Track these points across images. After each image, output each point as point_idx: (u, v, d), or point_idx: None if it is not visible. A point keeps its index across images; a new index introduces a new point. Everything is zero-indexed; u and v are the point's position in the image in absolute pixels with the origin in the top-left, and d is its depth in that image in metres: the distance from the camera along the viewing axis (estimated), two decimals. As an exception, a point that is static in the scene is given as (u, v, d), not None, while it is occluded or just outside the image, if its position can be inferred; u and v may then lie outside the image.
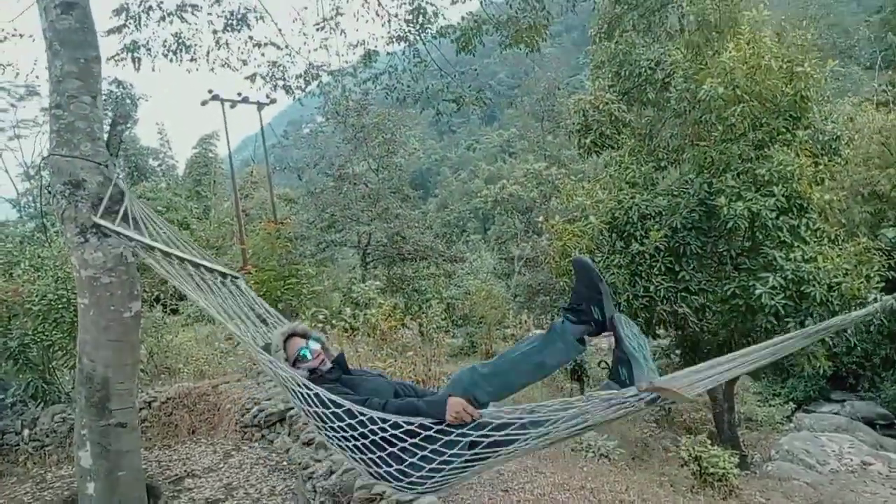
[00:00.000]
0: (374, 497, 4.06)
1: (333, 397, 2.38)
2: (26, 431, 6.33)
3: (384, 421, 2.25)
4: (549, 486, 5.76)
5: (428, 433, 2.22)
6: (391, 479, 2.31)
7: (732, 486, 7.65)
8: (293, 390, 2.55)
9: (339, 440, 2.39)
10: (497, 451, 2.21)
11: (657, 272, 9.19)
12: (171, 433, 5.39)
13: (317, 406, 2.41)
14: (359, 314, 10.26)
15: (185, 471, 2.95)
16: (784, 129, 8.75)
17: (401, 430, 2.23)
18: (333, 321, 11.01)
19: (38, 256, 8.38)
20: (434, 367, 8.76)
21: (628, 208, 9.52)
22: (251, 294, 3.02)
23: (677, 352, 11.58)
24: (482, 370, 2.38)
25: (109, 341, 2.49)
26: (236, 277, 3.06)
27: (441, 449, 2.19)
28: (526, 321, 25.59)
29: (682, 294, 9.07)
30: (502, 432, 2.13)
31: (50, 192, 2.48)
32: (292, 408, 5.32)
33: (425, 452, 2.21)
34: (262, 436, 5.05)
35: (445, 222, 25.74)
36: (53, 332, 6.96)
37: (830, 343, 8.58)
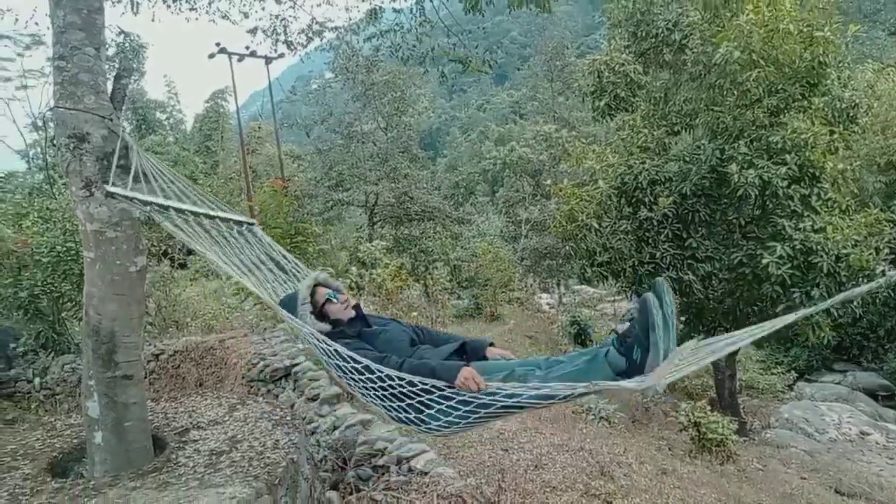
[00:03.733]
0: (376, 452, 4.14)
1: (352, 354, 2.48)
2: (37, 380, 6.46)
3: (401, 379, 2.37)
4: (548, 446, 5.85)
5: (442, 392, 2.34)
6: (412, 425, 2.46)
7: (730, 451, 7.77)
8: (315, 344, 2.67)
9: (361, 389, 2.53)
10: (509, 411, 2.34)
11: (664, 239, 9.15)
12: (179, 386, 5.49)
13: (337, 359, 2.54)
14: (364, 273, 10.31)
15: (190, 423, 3.00)
16: (800, 96, 8.56)
17: (416, 388, 2.35)
18: (339, 279, 11.07)
19: (47, 208, 8.41)
20: (439, 328, 8.80)
21: (638, 173, 9.42)
22: (267, 240, 3.05)
23: (682, 318, 11.60)
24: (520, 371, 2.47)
25: (115, 295, 2.50)
26: (252, 224, 3.08)
27: (456, 406, 2.32)
28: (532, 284, 25.71)
29: (689, 261, 9.05)
30: (511, 400, 2.22)
31: (55, 146, 2.46)
32: (297, 363, 5.40)
33: (442, 406, 2.35)
34: (268, 390, 5.14)
35: (454, 183, 25.55)
36: (63, 284, 7.03)
37: (836, 313, 8.56)
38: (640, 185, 9.42)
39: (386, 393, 2.46)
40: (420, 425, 2.45)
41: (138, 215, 2.45)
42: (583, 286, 27.85)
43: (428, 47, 6.75)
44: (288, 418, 3.00)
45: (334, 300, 2.91)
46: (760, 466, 8.16)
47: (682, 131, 10.27)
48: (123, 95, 2.66)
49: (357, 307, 3.00)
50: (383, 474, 3.58)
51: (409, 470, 3.59)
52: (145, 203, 2.42)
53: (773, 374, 15.77)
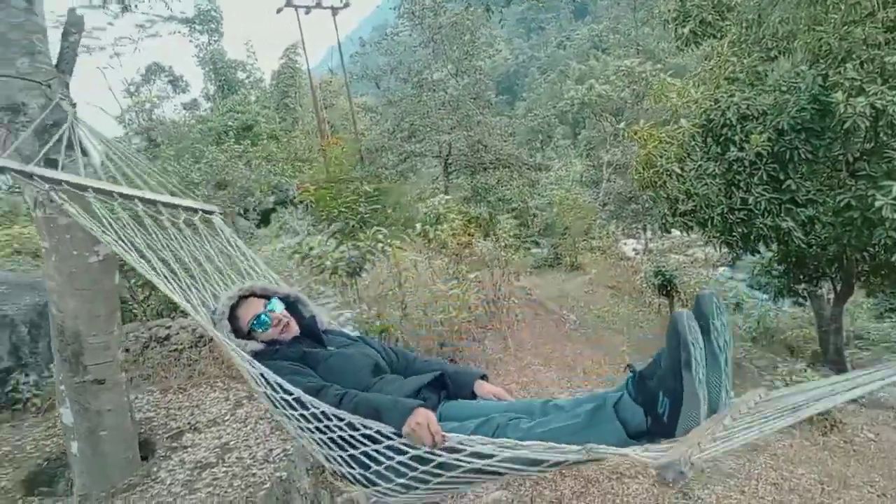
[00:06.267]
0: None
1: (281, 381, 1.87)
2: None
3: (339, 419, 1.77)
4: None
5: (391, 443, 1.73)
6: (358, 484, 1.84)
7: (835, 419, 6.93)
8: (239, 364, 2.05)
9: (296, 427, 1.94)
10: (481, 476, 1.69)
11: (758, 182, 8.14)
12: (192, 374, 5.36)
13: (265, 387, 1.94)
14: (429, 230, 9.96)
15: (189, 423, 2.78)
16: (927, 5, 7.18)
17: (358, 432, 1.74)
18: (408, 234, 10.79)
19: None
20: (503, 286, 8.35)
21: (726, 108, 8.36)
22: (227, 233, 2.55)
23: (779, 268, 10.52)
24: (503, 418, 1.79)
25: (76, 290, 2.23)
26: (209, 213, 2.60)
27: (410, 463, 1.71)
28: (614, 232, 24.54)
29: (787, 206, 8.01)
30: (482, 462, 1.58)
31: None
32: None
33: (392, 463, 1.73)
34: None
35: (530, 128, 24.44)
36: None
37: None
38: (728, 121, 8.36)
39: (325, 437, 1.85)
40: (367, 486, 1.83)
41: (38, 196, 2.08)
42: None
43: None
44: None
45: (266, 325, 2.25)
46: (872, 436, 7.24)
47: (779, 56, 8.99)
48: (73, 56, 2.30)
49: (311, 321, 2.38)
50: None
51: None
52: (48, 180, 2.02)
53: (887, 321, 14.23)
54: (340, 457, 1.82)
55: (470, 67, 21.35)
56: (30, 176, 1.98)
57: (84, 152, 2.28)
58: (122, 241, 2.02)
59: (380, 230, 6.81)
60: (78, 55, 2.39)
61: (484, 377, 2.20)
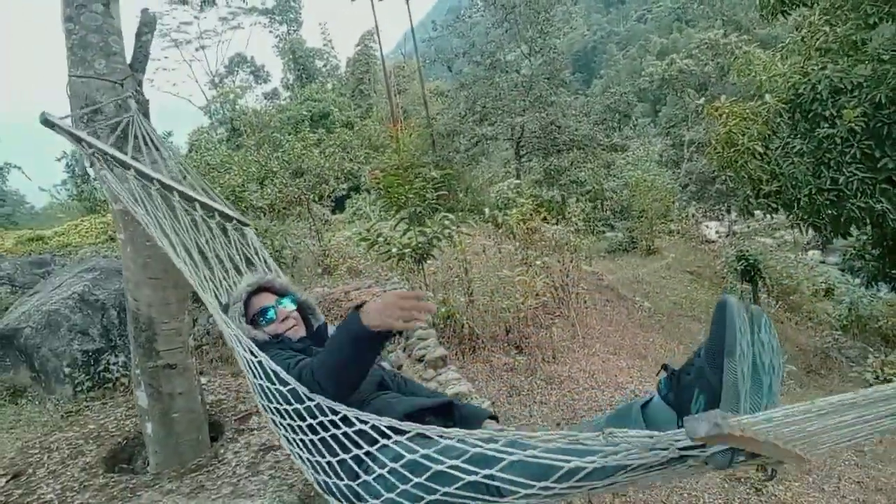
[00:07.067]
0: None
1: (276, 368, 1.75)
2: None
3: (335, 412, 1.58)
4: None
5: (385, 441, 1.51)
6: (342, 498, 1.63)
7: (932, 416, 6.41)
8: (238, 353, 1.95)
9: (286, 428, 1.79)
10: (489, 486, 1.36)
11: (850, 160, 7.56)
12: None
13: (261, 378, 1.80)
14: (498, 215, 9.90)
15: (256, 406, 2.89)
16: None
17: (352, 428, 1.55)
18: (476, 219, 10.77)
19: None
20: (573, 271, 8.19)
21: (816, 82, 7.80)
22: (256, 244, 2.56)
23: (873, 252, 9.77)
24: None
25: (150, 279, 2.34)
26: (245, 224, 2.61)
27: (401, 471, 1.46)
28: (694, 214, 23.47)
29: (882, 186, 7.40)
30: (483, 472, 1.32)
31: (73, 120, 2.28)
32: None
33: (383, 472, 1.51)
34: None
35: (607, 107, 23.66)
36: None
37: None
38: (819, 95, 7.80)
39: (315, 438, 1.66)
40: (356, 501, 1.60)
41: (88, 164, 2.16)
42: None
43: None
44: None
45: (272, 318, 2.18)
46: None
47: (879, 23, 8.25)
48: (146, 55, 2.41)
49: (322, 327, 2.27)
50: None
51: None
52: (90, 145, 2.09)
53: None
54: (328, 464, 1.65)
55: (544, 46, 20.87)
56: (77, 140, 2.08)
57: (141, 147, 2.40)
58: (150, 217, 2.08)
59: (447, 216, 6.82)
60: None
61: (493, 417, 2.02)
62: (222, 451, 2.48)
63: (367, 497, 1.57)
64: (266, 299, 2.25)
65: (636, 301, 10.76)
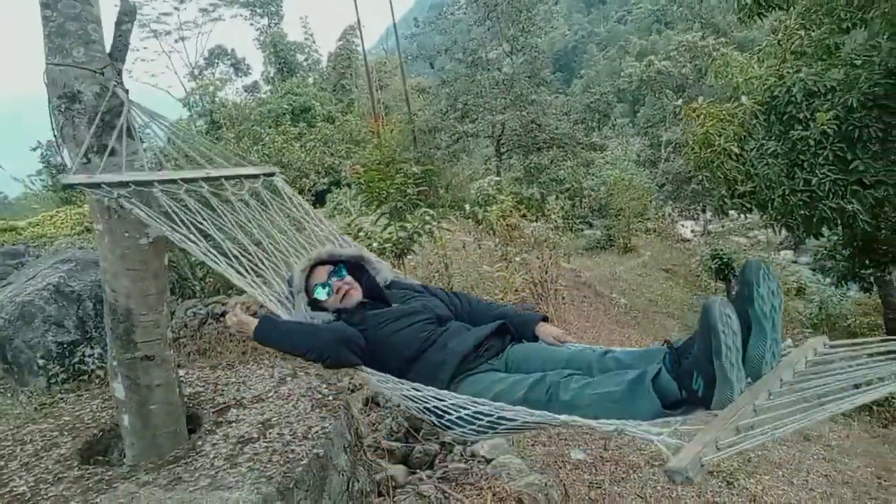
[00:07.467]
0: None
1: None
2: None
3: (402, 383, 2.01)
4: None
5: (444, 403, 1.90)
6: (436, 428, 2.07)
7: (896, 413, 6.62)
8: None
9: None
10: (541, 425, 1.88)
11: (823, 162, 7.72)
12: (245, 350, 5.55)
13: None
14: (478, 211, 9.93)
15: (234, 398, 2.88)
16: None
17: (420, 393, 1.96)
18: (457, 215, 10.78)
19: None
20: (551, 268, 8.26)
21: (791, 84, 7.95)
22: (288, 193, 2.70)
23: (844, 252, 10.00)
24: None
25: (128, 270, 2.32)
26: (270, 175, 2.70)
27: (469, 417, 1.86)
28: (670, 213, 23.79)
29: (854, 188, 7.58)
30: (534, 419, 1.73)
31: (50, 108, 2.25)
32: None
33: (455, 416, 1.89)
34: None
35: (587, 106, 23.85)
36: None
37: None
38: (793, 98, 7.95)
39: (398, 394, 2.10)
40: (444, 430, 2.05)
41: (110, 203, 2.16)
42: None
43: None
44: (329, 398, 2.76)
45: (324, 298, 2.39)
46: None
47: (853, 28, 8.43)
48: (125, 44, 2.38)
49: (372, 281, 2.50)
50: (448, 453, 3.29)
51: (472, 455, 3.26)
52: (118, 184, 2.10)
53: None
54: (416, 409, 2.02)
55: (526, 45, 20.93)
56: (98, 186, 2.09)
57: (141, 139, 2.38)
58: (192, 233, 2.12)
59: (427, 212, 6.83)
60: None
61: (545, 319, 2.36)
62: (200, 443, 2.46)
63: (454, 427, 1.94)
64: (319, 275, 2.44)
65: (613, 298, 10.89)
